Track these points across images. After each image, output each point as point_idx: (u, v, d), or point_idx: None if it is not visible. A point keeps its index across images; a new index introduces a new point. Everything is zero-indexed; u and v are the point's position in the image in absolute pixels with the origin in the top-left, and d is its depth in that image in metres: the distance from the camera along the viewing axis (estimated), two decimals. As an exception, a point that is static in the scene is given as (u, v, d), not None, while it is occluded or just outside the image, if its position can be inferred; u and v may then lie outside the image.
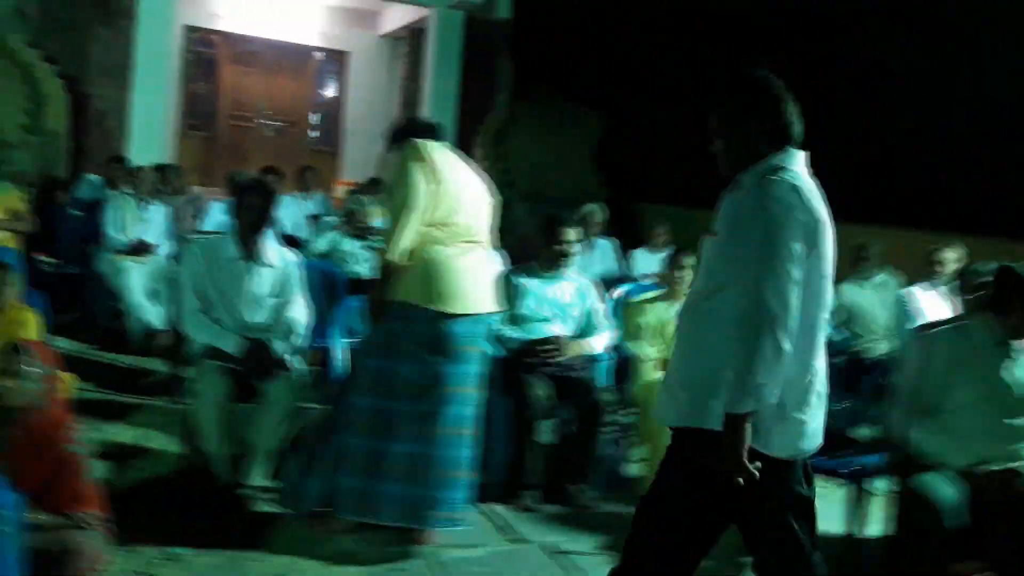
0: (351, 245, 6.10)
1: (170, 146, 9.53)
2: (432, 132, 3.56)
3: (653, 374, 4.33)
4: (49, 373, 3.10)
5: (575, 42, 10.41)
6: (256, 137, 11.26)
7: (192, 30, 10.56)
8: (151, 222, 6.23)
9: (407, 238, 3.33)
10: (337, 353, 4.22)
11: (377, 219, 6.43)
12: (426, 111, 10.13)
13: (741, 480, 2.10)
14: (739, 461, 2.09)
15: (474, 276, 3.43)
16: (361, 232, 6.17)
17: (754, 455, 2.11)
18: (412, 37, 11.05)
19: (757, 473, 2.11)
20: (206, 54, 10.93)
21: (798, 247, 2.11)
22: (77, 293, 6.38)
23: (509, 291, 4.06)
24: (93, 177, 7.82)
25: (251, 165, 9.44)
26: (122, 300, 5.89)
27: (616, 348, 4.61)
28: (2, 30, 9.96)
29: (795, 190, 2.17)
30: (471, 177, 3.55)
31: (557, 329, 4.34)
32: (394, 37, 11.46)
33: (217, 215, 6.66)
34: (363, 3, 10.98)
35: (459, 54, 10.48)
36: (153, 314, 5.78)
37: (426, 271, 3.35)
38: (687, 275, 4.48)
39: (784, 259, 2.09)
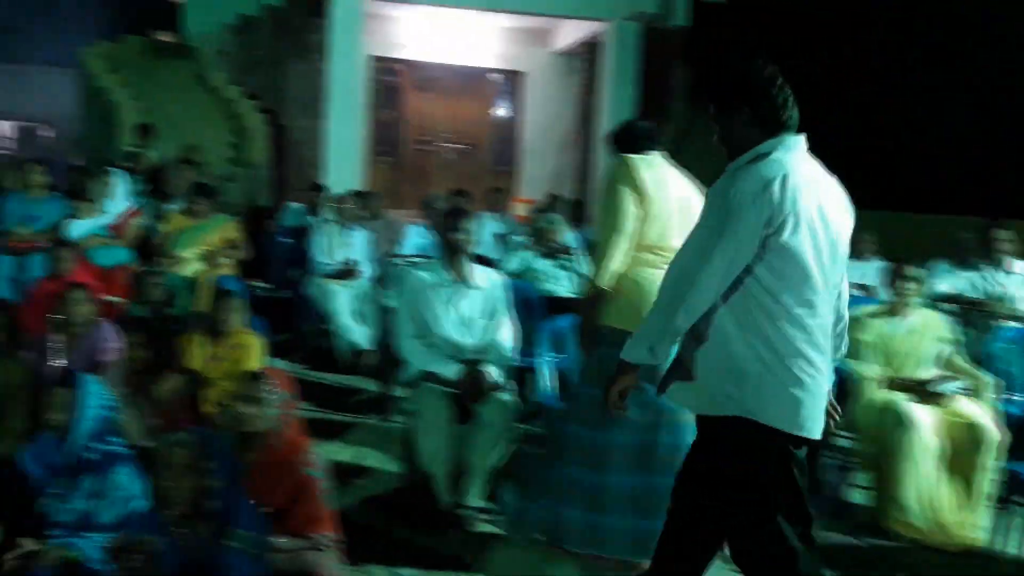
0: (542, 264, 6.11)
1: (361, 172, 9.94)
2: (650, 140, 3.47)
3: (876, 394, 4.07)
4: (287, 398, 3.26)
5: (753, 47, 10.11)
6: (438, 160, 11.60)
7: (377, 60, 11.00)
8: (354, 246, 6.51)
9: (615, 262, 3.26)
10: (543, 372, 4.22)
11: (567, 236, 6.43)
12: (603, 125, 10.09)
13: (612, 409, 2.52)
14: (614, 395, 2.51)
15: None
16: (551, 251, 6.18)
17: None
18: (587, 52, 11.05)
19: (623, 411, 2.56)
20: (390, 82, 11.37)
21: (745, 247, 2.23)
22: (286, 316, 6.73)
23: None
24: (295, 205, 8.24)
25: (435, 187, 9.69)
26: (330, 321, 6.16)
27: (835, 367, 4.35)
28: (207, 70, 10.76)
29: (765, 182, 2.20)
30: (686, 193, 3.42)
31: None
32: (569, 53, 11.50)
33: (414, 238, 6.86)
34: (538, 22, 11.08)
35: (635, 65, 10.39)
36: (360, 335, 6.02)
37: (638, 296, 3.23)
38: (912, 287, 4.19)
39: (722, 258, 2.24)
